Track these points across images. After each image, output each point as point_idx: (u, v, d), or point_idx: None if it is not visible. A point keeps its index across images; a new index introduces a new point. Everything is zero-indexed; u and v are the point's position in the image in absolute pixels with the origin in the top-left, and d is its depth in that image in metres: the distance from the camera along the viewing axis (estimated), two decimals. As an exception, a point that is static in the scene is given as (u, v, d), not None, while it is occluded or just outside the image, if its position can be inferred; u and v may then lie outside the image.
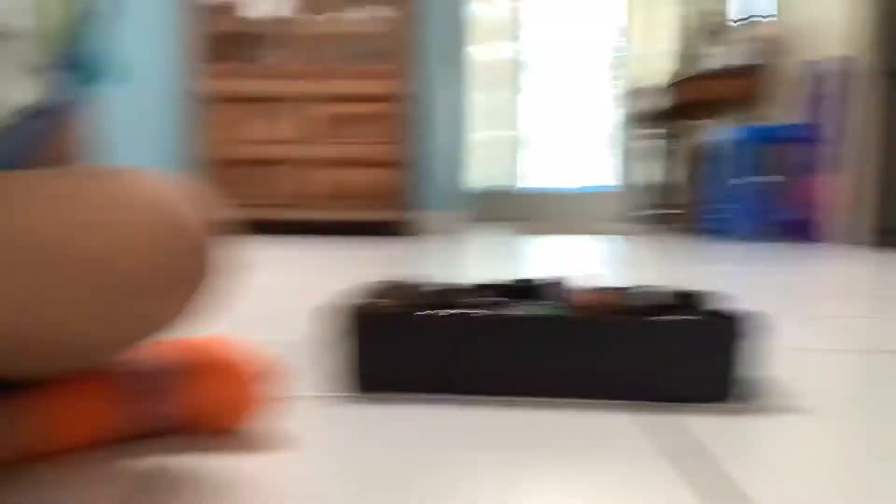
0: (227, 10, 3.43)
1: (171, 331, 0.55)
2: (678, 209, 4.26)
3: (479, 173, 6.27)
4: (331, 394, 0.74)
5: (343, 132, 3.41)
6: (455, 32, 3.75)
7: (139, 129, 3.74)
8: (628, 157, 6.25)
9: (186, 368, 0.59)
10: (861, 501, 0.49)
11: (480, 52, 5.92)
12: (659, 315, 0.85)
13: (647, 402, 0.72)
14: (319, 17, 3.43)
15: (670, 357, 0.72)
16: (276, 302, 1.35)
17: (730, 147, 3.57)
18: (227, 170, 3.44)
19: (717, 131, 4.80)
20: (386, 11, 3.42)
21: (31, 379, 0.53)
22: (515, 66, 6.33)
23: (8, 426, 0.53)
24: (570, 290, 0.88)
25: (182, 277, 0.51)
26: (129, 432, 0.58)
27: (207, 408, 0.59)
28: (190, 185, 0.55)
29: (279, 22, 3.43)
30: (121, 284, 0.48)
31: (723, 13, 4.27)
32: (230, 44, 3.43)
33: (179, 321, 0.54)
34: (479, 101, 6.20)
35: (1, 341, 0.46)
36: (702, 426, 0.65)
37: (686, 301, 0.89)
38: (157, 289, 0.50)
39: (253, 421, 0.62)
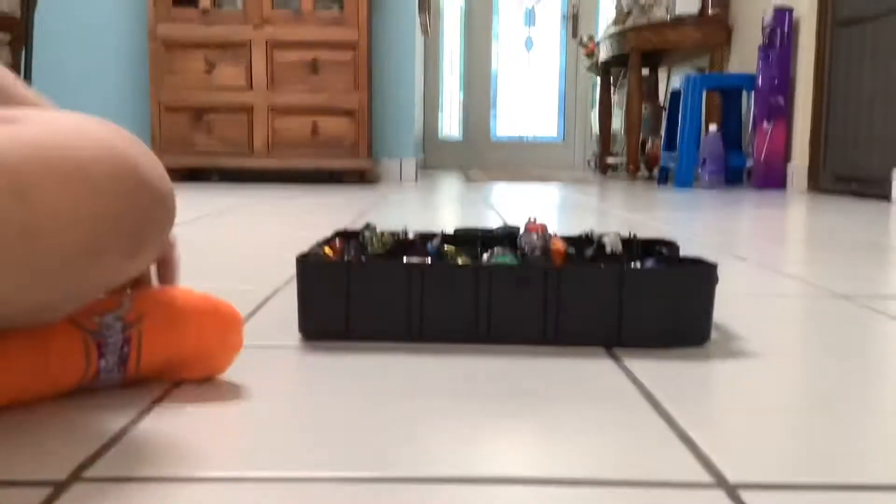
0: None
1: (128, 279, 0.53)
2: (630, 156, 4.29)
3: (441, 121, 6.22)
4: (284, 343, 0.73)
5: (309, 80, 3.35)
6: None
7: (104, 75, 3.62)
8: (582, 106, 6.25)
9: (164, 316, 0.57)
10: (810, 442, 0.50)
11: (442, 2, 5.82)
12: (611, 262, 0.85)
13: (607, 348, 0.72)
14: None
15: (632, 303, 0.72)
16: (236, 251, 1.32)
17: (684, 95, 3.59)
18: (190, 116, 3.35)
19: (672, 79, 4.81)
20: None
21: None
22: (479, 16, 6.25)
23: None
24: (527, 238, 0.87)
25: (144, 229, 0.49)
26: (99, 384, 0.56)
27: (186, 355, 0.57)
28: (125, 132, 0.52)
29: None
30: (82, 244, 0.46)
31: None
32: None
33: (138, 267, 0.52)
34: (440, 51, 6.11)
35: None
36: (652, 370, 0.65)
37: (642, 248, 0.89)
38: (119, 247, 0.48)
39: (227, 368, 0.60)
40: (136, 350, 0.56)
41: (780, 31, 3.36)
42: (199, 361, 0.59)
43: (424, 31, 4.62)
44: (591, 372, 0.65)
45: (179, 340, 0.57)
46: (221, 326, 0.59)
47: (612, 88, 5.11)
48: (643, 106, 4.44)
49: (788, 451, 0.49)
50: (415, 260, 0.77)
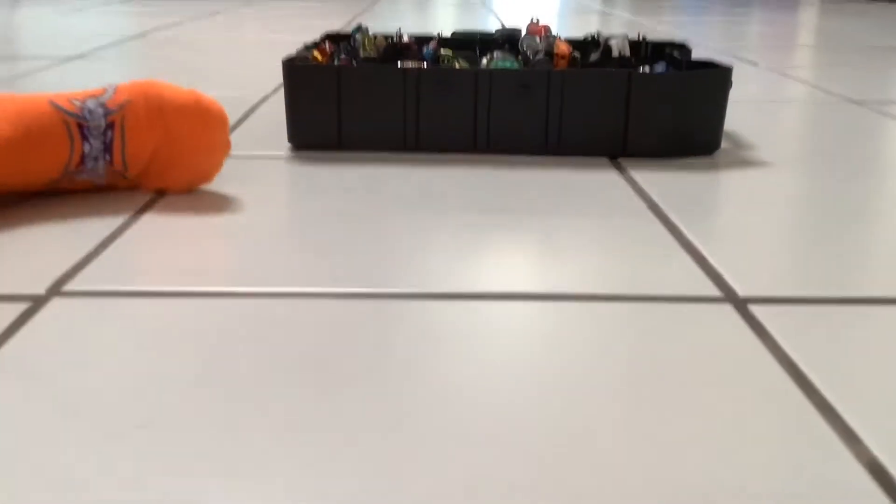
0: None
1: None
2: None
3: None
4: (273, 153, 0.69)
5: None
6: None
7: None
8: None
9: (147, 105, 0.55)
10: (819, 255, 0.48)
11: None
12: (620, 66, 0.79)
13: (612, 158, 0.69)
14: None
15: (641, 109, 0.68)
16: (222, 57, 1.25)
17: None
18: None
19: None
20: None
21: None
22: None
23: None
24: (528, 41, 0.81)
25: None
26: (85, 174, 0.54)
27: (172, 151, 0.55)
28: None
29: None
30: None
31: None
32: None
33: None
34: None
35: None
36: (659, 181, 0.62)
37: (652, 52, 0.83)
38: None
39: (214, 174, 0.58)
40: (119, 137, 0.54)
41: None
42: (185, 159, 0.56)
43: None
44: (596, 183, 0.62)
45: (164, 131, 0.55)
46: (205, 122, 0.56)
47: None
48: None
49: (797, 265, 0.47)
50: (410, 64, 0.72)
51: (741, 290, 0.43)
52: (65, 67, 1.13)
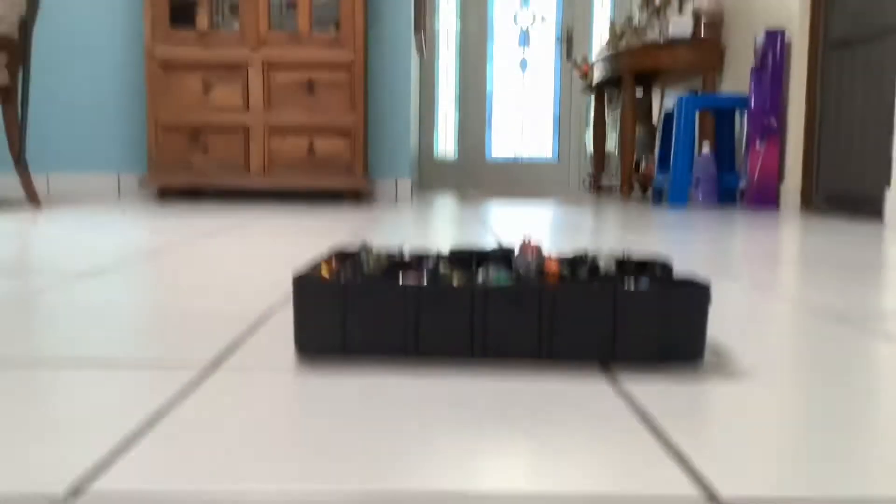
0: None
1: None
2: (624, 177, 4.31)
3: (436, 141, 6.24)
4: (280, 363, 0.73)
5: (305, 100, 3.37)
6: (408, 4, 3.71)
7: (101, 95, 3.64)
8: (576, 126, 6.29)
9: None
10: (802, 459, 0.51)
11: (438, 24, 5.86)
12: (603, 281, 0.85)
13: (601, 367, 0.73)
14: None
15: (626, 323, 0.73)
16: (231, 271, 1.32)
17: (677, 116, 3.61)
18: (186, 136, 3.37)
19: (665, 101, 4.85)
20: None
21: None
22: (474, 37, 6.30)
23: None
24: (521, 259, 0.88)
25: None
26: None
27: None
28: None
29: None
30: None
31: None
32: (190, 9, 3.35)
33: None
34: (436, 72, 6.16)
35: None
36: (645, 388, 0.66)
37: (635, 269, 0.90)
38: None
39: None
40: None
41: (772, 53, 3.39)
42: None
43: (420, 52, 4.65)
44: (586, 390, 0.66)
45: None
46: None
47: (606, 109, 5.15)
48: (637, 127, 4.47)
49: (780, 468, 0.49)
50: (411, 280, 0.78)
51: (724, 492, 0.45)
52: (76, 283, 1.19)
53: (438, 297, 0.74)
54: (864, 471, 0.49)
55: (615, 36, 4.45)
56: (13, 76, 2.72)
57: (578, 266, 0.89)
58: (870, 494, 0.46)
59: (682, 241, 2.00)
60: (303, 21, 3.36)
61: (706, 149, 3.50)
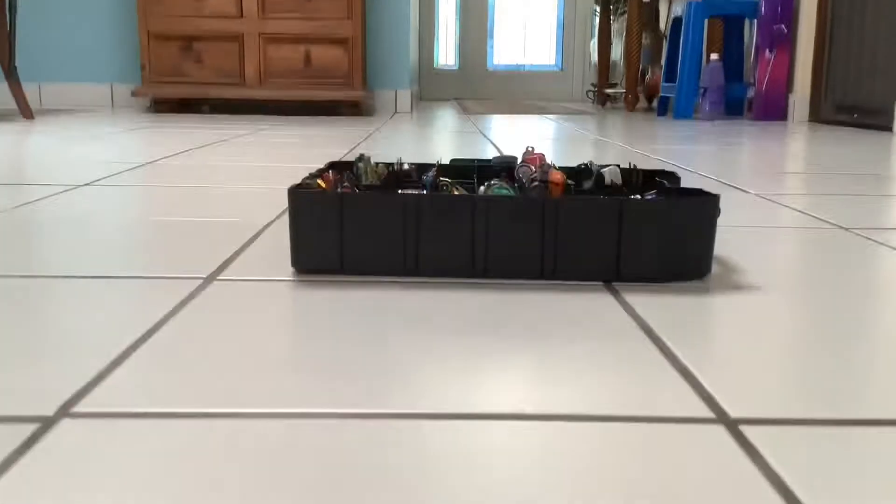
0: None
1: None
2: (629, 87, 4.22)
3: (436, 51, 6.10)
4: (276, 277, 0.71)
5: (301, 7, 3.27)
6: None
7: (91, 1, 3.53)
8: (581, 34, 6.14)
9: None
10: (811, 377, 0.49)
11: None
12: (612, 194, 0.83)
13: (606, 283, 0.71)
14: None
15: (632, 235, 0.71)
16: (227, 184, 1.30)
17: (685, 22, 3.51)
18: (179, 45, 3.28)
19: (673, 7, 4.71)
20: None
21: None
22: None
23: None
24: (524, 169, 0.85)
25: None
26: None
27: None
28: None
29: None
30: None
31: None
32: None
33: None
34: (427, -25, 5.97)
35: None
36: (651, 305, 0.64)
37: (642, 180, 0.87)
38: None
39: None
40: None
41: (786, -43, 3.27)
42: None
43: (420, -43, 4.49)
44: (590, 307, 0.64)
45: None
46: None
47: (611, 16, 5.00)
48: (643, 35, 4.35)
49: (789, 387, 0.48)
50: (410, 191, 0.75)
51: (732, 412, 0.44)
52: (71, 195, 1.17)
53: (438, 208, 0.71)
54: (873, 392, 0.48)
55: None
56: (-2, -18, 2.63)
57: (583, 178, 0.86)
58: (881, 416, 0.44)
59: (688, 152, 1.96)
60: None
61: (714, 57, 3.41)
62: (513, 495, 0.34)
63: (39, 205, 1.07)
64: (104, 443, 0.39)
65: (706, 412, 0.44)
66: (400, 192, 0.74)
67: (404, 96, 3.71)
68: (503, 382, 0.48)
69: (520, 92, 6.18)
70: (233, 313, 0.60)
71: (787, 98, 3.39)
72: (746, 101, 3.63)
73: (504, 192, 0.77)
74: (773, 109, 3.37)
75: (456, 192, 0.80)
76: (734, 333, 0.58)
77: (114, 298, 0.64)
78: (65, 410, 0.43)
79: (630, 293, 0.68)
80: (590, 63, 6.00)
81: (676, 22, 3.77)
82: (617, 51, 5.04)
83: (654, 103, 4.42)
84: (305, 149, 1.91)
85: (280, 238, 0.88)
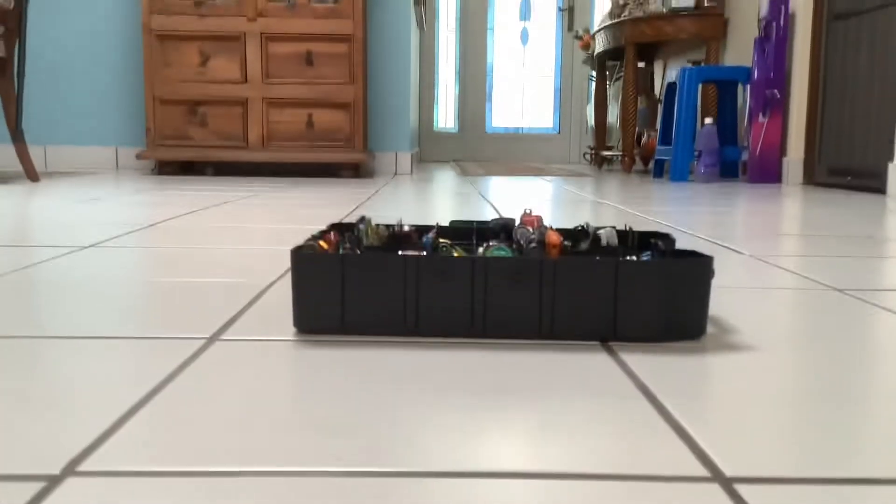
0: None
1: None
2: (626, 149, 4.28)
3: (436, 114, 6.21)
4: (278, 337, 0.72)
5: (304, 72, 3.34)
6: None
7: (98, 67, 3.61)
8: (578, 99, 6.25)
9: None
10: (807, 436, 0.50)
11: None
12: (608, 255, 0.84)
13: (603, 342, 0.72)
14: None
15: (628, 295, 0.72)
16: (230, 245, 1.31)
17: (679, 87, 3.58)
18: (184, 109, 3.34)
19: (667, 73, 4.81)
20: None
21: None
22: (474, 9, 6.24)
23: None
24: (522, 231, 0.86)
25: None
26: None
27: None
28: None
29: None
30: None
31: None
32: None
33: None
34: (436, 44, 6.10)
35: None
36: (647, 364, 0.65)
37: (638, 242, 0.89)
38: None
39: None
40: None
41: (776, 24, 3.35)
42: None
43: (420, 24, 4.60)
44: (587, 366, 0.65)
45: None
46: None
47: (607, 81, 5.11)
48: (639, 99, 4.43)
49: (785, 445, 0.49)
50: (410, 252, 0.76)
51: (728, 470, 0.45)
52: (75, 257, 1.18)
53: (438, 268, 0.72)
54: (869, 451, 0.48)
55: (617, 6, 4.40)
56: (9, 48, 2.69)
57: (580, 239, 0.88)
58: (876, 475, 0.45)
59: (684, 213, 1.98)
60: (301, -8, 3.32)
61: (709, 121, 3.47)
62: (511, 552, 0.35)
63: (42, 267, 1.08)
64: (110, 501, 0.39)
65: (701, 471, 0.45)
66: (400, 253, 0.76)
67: (404, 158, 3.76)
68: (502, 441, 0.48)
69: (518, 154, 6.26)
70: (235, 373, 0.61)
71: (781, 161, 3.43)
72: (741, 163, 3.68)
73: (502, 252, 0.78)
74: (768, 172, 3.41)
75: (455, 254, 0.81)
76: (729, 392, 0.59)
77: (116, 359, 0.65)
78: (70, 469, 0.43)
79: (626, 352, 0.69)
80: (586, 126, 6.09)
81: (671, 87, 3.85)
82: (613, 114, 5.13)
83: (651, 165, 4.48)
84: (307, 210, 1.94)
85: (282, 298, 0.89)
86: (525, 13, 6.23)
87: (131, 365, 0.63)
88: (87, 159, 3.65)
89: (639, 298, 0.72)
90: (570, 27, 6.10)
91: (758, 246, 1.39)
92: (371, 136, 3.72)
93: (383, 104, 3.72)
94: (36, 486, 0.41)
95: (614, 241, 0.86)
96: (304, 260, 0.74)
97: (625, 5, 4.33)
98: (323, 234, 0.85)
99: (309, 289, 0.73)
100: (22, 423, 0.50)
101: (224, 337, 0.72)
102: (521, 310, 0.72)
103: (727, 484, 0.43)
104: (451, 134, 6.30)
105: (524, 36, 6.27)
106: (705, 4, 3.92)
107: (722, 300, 0.92)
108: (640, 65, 4.62)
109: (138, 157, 3.35)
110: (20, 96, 2.78)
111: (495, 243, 0.81)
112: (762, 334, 0.76)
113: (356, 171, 3.47)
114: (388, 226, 0.88)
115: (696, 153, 3.48)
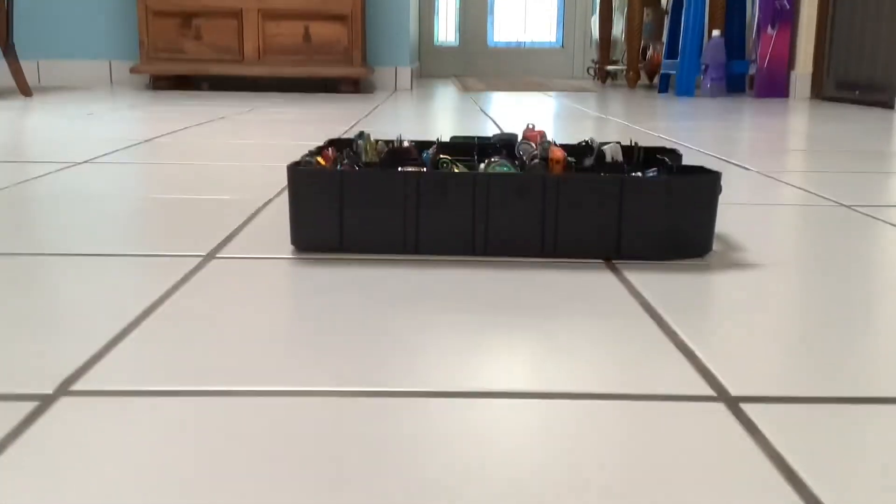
0: None
1: None
2: (631, 64, 4.19)
3: (436, 27, 6.06)
4: (276, 255, 0.71)
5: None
6: None
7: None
8: (582, 11, 6.10)
9: None
10: (812, 355, 0.49)
11: None
12: (613, 171, 0.82)
13: (607, 261, 0.71)
14: None
15: (633, 213, 0.70)
16: (226, 162, 1.29)
17: None
18: (178, 21, 3.25)
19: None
20: None
21: None
22: (464, -89, 6.03)
23: None
24: (524, 146, 0.84)
25: None
26: None
27: None
28: None
29: None
30: None
31: None
32: None
33: None
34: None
35: None
36: (652, 282, 0.64)
37: (643, 157, 0.87)
38: None
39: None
40: None
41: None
42: None
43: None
44: (591, 285, 0.64)
45: None
46: None
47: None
48: (645, 11, 4.32)
49: (791, 364, 0.48)
50: (410, 168, 0.74)
51: (733, 389, 0.44)
52: (70, 172, 1.16)
53: (439, 185, 0.71)
54: (876, 369, 0.48)
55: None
56: (-6, -43, 2.60)
57: (584, 154, 0.86)
58: (884, 394, 0.44)
59: (690, 129, 1.95)
60: None
61: (716, 34, 3.38)
62: (513, 470, 0.34)
63: (37, 182, 1.06)
64: (103, 421, 0.39)
65: (707, 390, 0.44)
66: (400, 169, 0.74)
67: (404, 73, 3.68)
68: (503, 360, 0.48)
69: (520, 69, 6.15)
70: (232, 292, 0.60)
71: (788, 75, 3.37)
72: (748, 77, 3.61)
73: (505, 169, 0.76)
74: (775, 86, 3.35)
75: (456, 170, 0.79)
76: (735, 311, 0.58)
77: (112, 276, 0.64)
78: (64, 389, 0.43)
79: (630, 271, 0.67)
80: (591, 40, 5.96)
81: (679, -2, 3.74)
82: (618, 27, 5.00)
83: (656, 80, 4.40)
84: (305, 126, 1.90)
85: (280, 216, 0.88)
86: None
87: (127, 283, 0.62)
88: (80, 74, 3.58)
89: (644, 216, 0.70)
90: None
91: (765, 162, 1.37)
92: (370, 50, 3.64)
93: (382, 16, 3.62)
94: (29, 406, 0.40)
95: (619, 156, 0.84)
96: (301, 176, 0.72)
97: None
98: (321, 150, 0.83)
99: (306, 206, 0.72)
100: (16, 342, 0.49)
101: (221, 254, 0.71)
102: (524, 228, 0.71)
103: (733, 403, 0.42)
104: (452, 48, 6.17)
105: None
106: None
107: (728, 217, 0.90)
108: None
109: (132, 70, 3.28)
110: (11, 10, 2.70)
111: (497, 159, 0.79)
112: (769, 252, 0.75)
113: (356, 86, 3.41)
114: (387, 141, 0.86)
115: (702, 67, 3.41)
